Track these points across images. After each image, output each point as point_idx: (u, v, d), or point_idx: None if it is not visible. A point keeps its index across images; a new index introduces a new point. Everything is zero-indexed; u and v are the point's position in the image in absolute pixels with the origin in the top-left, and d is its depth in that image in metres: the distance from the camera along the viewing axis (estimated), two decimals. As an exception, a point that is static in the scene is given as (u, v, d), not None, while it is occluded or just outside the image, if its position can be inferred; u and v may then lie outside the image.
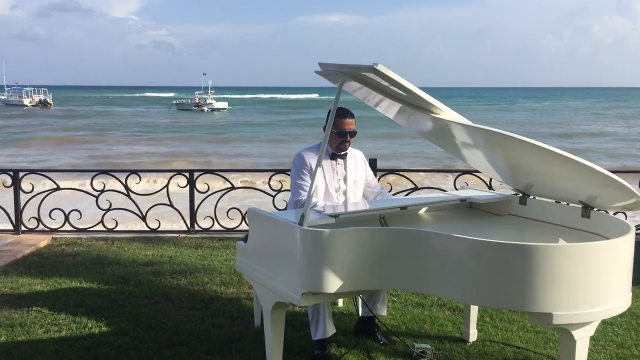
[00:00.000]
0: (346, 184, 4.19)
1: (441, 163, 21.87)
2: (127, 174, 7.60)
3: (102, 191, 7.48)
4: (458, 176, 7.32)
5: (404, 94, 3.02)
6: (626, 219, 5.73)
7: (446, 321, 4.67)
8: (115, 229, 7.54)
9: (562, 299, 2.73)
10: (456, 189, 7.03)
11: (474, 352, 4.13)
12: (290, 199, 4.15)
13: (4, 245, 6.94)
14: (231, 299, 5.17)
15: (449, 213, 4.12)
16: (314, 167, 4.03)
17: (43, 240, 7.10)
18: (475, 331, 4.33)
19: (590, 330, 2.92)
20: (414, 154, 25.98)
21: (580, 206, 3.50)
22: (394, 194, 6.49)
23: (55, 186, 7.57)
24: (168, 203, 7.52)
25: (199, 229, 7.55)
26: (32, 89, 77.04)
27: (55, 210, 7.46)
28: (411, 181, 7.39)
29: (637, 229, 5.31)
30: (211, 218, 7.48)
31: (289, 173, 7.48)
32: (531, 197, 3.89)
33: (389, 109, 3.54)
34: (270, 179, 7.52)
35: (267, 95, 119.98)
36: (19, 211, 7.48)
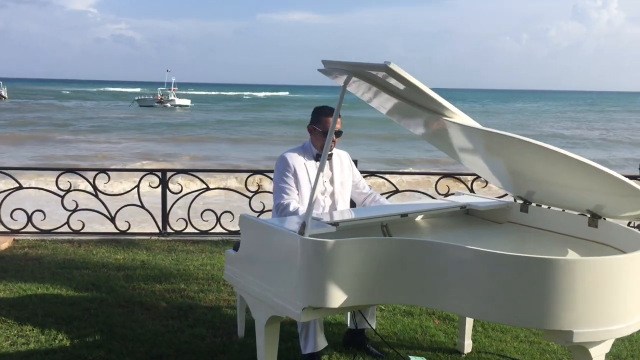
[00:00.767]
0: (333, 185, 4.01)
1: (424, 167, 21.84)
2: (95, 172, 7.23)
3: (68, 191, 7.09)
4: (439, 179, 7.18)
5: (415, 94, 2.83)
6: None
7: (438, 331, 4.51)
8: (81, 231, 7.15)
9: (583, 315, 2.58)
10: (438, 193, 6.93)
11: (469, 364, 3.98)
12: (273, 202, 3.96)
13: (-39, 247, 6.51)
14: (210, 307, 4.90)
15: (445, 220, 3.95)
16: (297, 169, 3.87)
17: (4, 243, 6.67)
18: (470, 342, 4.18)
19: (606, 347, 2.78)
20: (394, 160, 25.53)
21: (588, 215, 3.37)
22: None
23: (17, 185, 7.15)
24: (139, 204, 7.17)
25: (172, 231, 7.23)
26: (-15, 81, 74.62)
27: (17, 211, 7.04)
28: (392, 184, 7.22)
29: None
30: (184, 220, 7.17)
31: (267, 174, 7.31)
32: (533, 204, 3.76)
33: (393, 109, 3.34)
34: (246, 180, 7.26)
35: (236, 93, 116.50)
36: (-24, 211, 7.03)
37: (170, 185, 7.19)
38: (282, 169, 3.92)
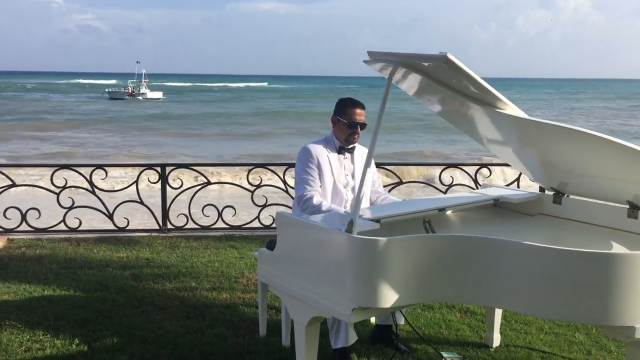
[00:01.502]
0: (354, 179, 3.95)
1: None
2: (91, 169, 7.01)
3: (64, 187, 6.87)
4: (444, 169, 7.14)
5: (466, 86, 2.74)
6: None
7: (462, 324, 4.46)
8: (79, 229, 6.93)
9: (644, 310, 2.53)
10: (442, 184, 6.89)
11: (500, 358, 3.94)
12: (295, 194, 3.87)
13: (-46, 248, 6.26)
14: (226, 305, 4.77)
15: (475, 214, 3.88)
16: (320, 161, 3.81)
17: (-2, 243, 6.44)
18: (499, 336, 4.13)
19: (662, 341, 2.74)
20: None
21: (627, 206, 3.33)
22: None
23: (10, 182, 6.90)
24: (138, 200, 6.98)
25: (172, 227, 7.05)
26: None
27: (11, 209, 6.80)
28: (396, 175, 7.15)
29: None
30: (185, 216, 7.01)
31: (269, 168, 7.19)
32: (566, 195, 3.71)
33: (438, 102, 3.25)
34: (248, 173, 7.11)
35: (214, 84, 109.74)
36: (-32, 210, 6.77)
37: (170, 181, 7.02)
38: (305, 160, 3.84)
